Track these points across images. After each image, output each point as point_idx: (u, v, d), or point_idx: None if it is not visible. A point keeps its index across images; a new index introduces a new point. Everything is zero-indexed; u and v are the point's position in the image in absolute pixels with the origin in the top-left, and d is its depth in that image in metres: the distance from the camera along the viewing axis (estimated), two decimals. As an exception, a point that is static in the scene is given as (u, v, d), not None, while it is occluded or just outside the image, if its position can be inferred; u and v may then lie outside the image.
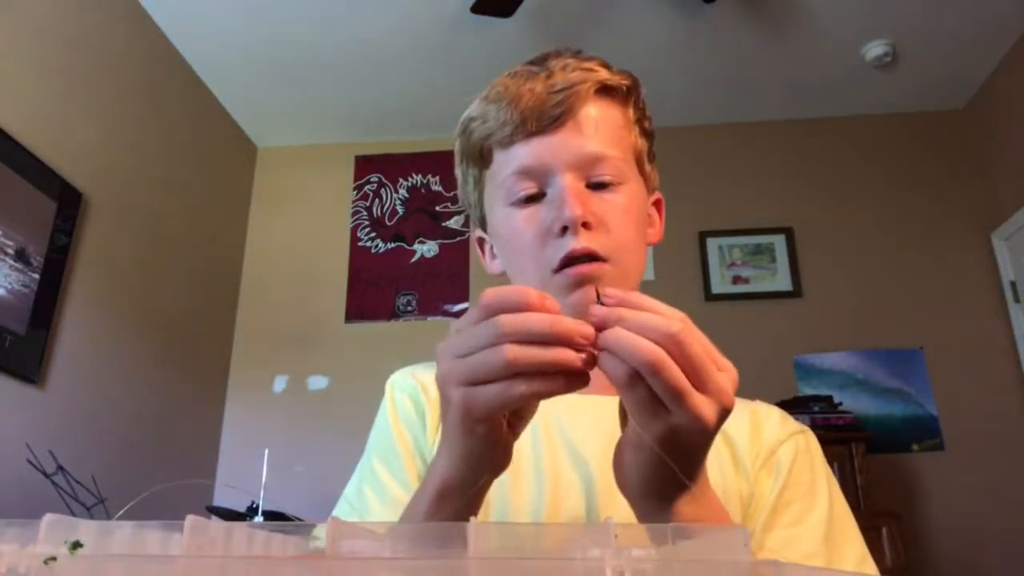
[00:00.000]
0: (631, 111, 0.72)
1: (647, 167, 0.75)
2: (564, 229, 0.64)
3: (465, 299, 3.36)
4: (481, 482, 0.49)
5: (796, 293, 3.23)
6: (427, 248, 3.49)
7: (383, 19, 2.88)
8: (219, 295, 3.37)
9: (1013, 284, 3.07)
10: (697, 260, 3.32)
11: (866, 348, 3.11)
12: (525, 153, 0.67)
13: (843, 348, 3.12)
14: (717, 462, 0.68)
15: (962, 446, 2.94)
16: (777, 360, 3.12)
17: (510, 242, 0.71)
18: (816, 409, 2.76)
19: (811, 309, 3.20)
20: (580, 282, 0.65)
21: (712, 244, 3.33)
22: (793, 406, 2.80)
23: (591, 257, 0.65)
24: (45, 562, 0.27)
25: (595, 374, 0.46)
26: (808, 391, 3.04)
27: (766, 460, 0.68)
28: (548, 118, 0.66)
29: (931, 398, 3.03)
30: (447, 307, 3.37)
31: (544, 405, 0.52)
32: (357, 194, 3.62)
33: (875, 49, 3.01)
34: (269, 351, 3.37)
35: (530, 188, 0.68)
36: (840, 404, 2.84)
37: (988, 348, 3.06)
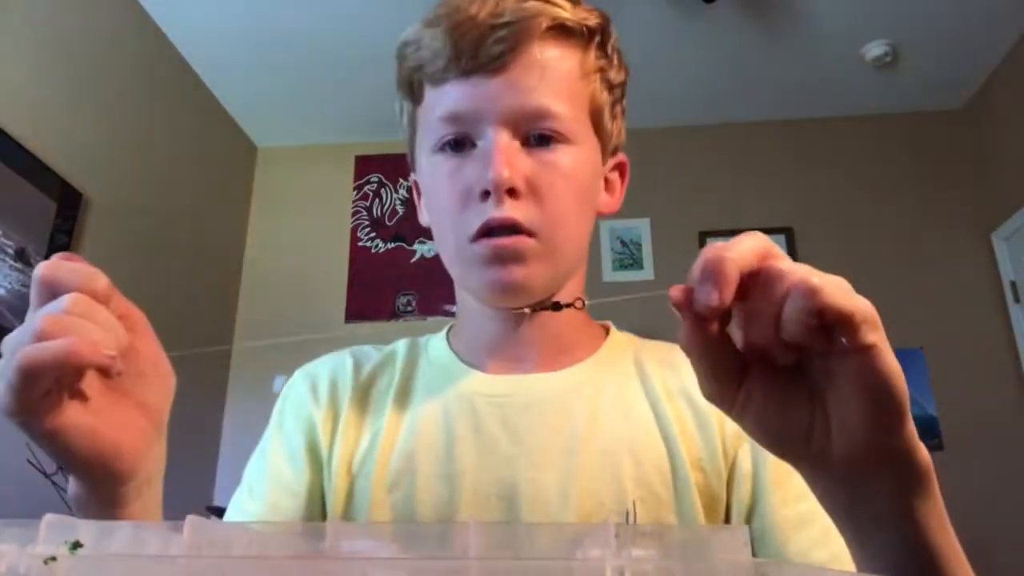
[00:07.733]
0: (592, 57, 0.61)
1: (608, 124, 0.63)
2: (487, 193, 0.56)
3: (465, 299, 3.36)
4: (100, 491, 0.43)
5: (796, 293, 3.23)
6: (427, 248, 3.48)
7: (383, 18, 2.88)
8: (219, 295, 3.37)
9: (1013, 284, 3.06)
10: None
11: (866, 348, 3.11)
12: (456, 95, 0.57)
13: (843, 348, 3.12)
14: (678, 421, 0.60)
15: (962, 446, 2.94)
16: (777, 360, 3.11)
17: (431, 197, 0.63)
18: (816, 409, 2.76)
19: (811, 309, 3.20)
20: (498, 256, 0.56)
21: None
22: (793, 406, 2.81)
23: (514, 229, 0.56)
24: (45, 562, 0.27)
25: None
26: (808, 391, 3.04)
27: None
28: (486, 56, 0.56)
29: (931, 398, 3.02)
30: (447, 307, 3.36)
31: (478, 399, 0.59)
32: (357, 194, 3.62)
33: (875, 49, 3.01)
34: (269, 351, 3.37)
35: (458, 135, 0.58)
36: (840, 404, 2.84)
37: (988, 348, 3.06)
